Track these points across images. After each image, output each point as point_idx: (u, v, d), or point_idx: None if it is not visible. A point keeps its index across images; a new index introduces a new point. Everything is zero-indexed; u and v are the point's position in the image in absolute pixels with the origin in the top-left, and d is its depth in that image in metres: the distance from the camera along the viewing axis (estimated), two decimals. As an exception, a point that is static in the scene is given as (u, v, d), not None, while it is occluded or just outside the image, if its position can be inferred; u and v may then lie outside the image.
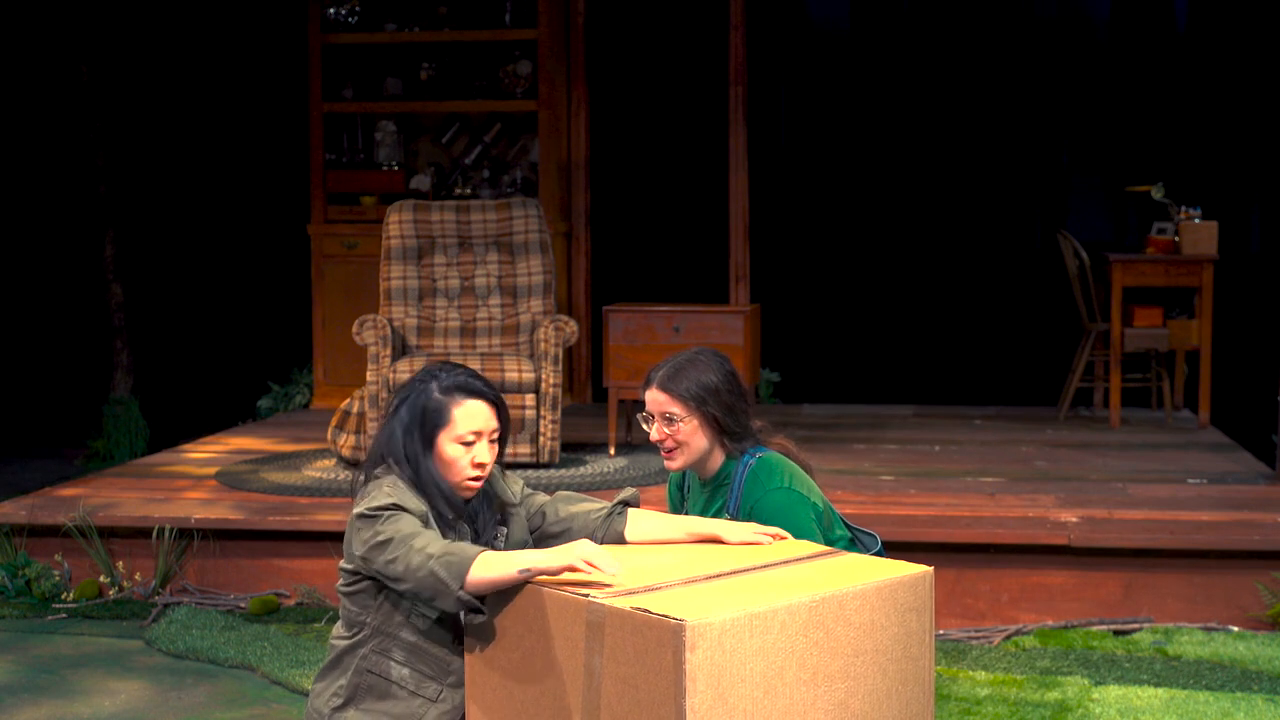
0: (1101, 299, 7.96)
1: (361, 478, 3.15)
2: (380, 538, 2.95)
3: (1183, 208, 7.75)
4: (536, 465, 6.63)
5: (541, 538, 3.22)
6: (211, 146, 9.81)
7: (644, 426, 3.49)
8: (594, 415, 8.29)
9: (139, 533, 5.82)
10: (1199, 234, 7.62)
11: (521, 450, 6.59)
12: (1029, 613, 5.37)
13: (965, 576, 5.40)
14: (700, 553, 3.07)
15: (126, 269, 9.52)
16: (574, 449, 7.19)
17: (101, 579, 5.79)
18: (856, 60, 9.33)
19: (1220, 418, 7.90)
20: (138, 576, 5.82)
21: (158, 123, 9.83)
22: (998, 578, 5.40)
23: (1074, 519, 5.57)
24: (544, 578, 2.82)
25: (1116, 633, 5.24)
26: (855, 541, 3.52)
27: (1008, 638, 5.23)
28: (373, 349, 6.69)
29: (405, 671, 3.05)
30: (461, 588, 2.84)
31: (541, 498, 3.28)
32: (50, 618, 5.60)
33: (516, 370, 6.58)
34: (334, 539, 5.59)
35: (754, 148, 8.97)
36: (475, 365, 6.55)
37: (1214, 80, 8.91)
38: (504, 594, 2.86)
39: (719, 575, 2.86)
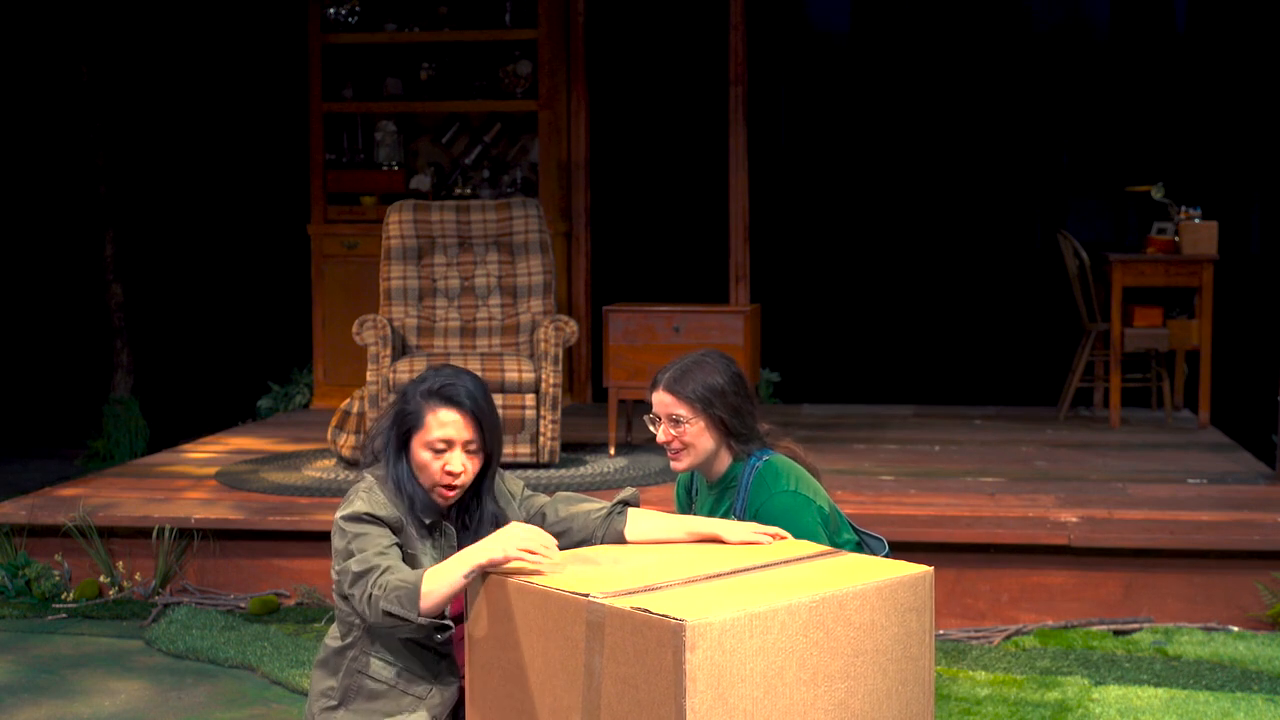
0: (1101, 299, 7.96)
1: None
2: (343, 567, 2.99)
3: (1183, 208, 7.74)
4: (536, 465, 6.63)
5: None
6: (211, 146, 9.82)
7: (650, 428, 3.50)
8: (594, 415, 8.29)
9: (139, 533, 5.82)
10: (1199, 234, 7.62)
11: (521, 450, 6.59)
12: (1029, 613, 5.37)
13: (965, 576, 5.40)
14: (700, 552, 3.07)
15: (126, 269, 9.52)
16: (574, 449, 7.19)
17: (101, 579, 5.79)
18: (856, 60, 9.33)
19: (1220, 418, 7.90)
20: (138, 576, 5.82)
21: (158, 123, 9.83)
22: (998, 578, 5.40)
23: (1074, 519, 5.57)
24: (502, 570, 2.86)
25: (1116, 633, 5.24)
26: (862, 545, 3.52)
27: (1008, 638, 5.23)
28: (373, 349, 6.69)
29: (394, 671, 3.06)
30: (419, 614, 2.87)
31: (541, 499, 3.28)
32: (50, 618, 5.59)
33: (516, 370, 6.58)
34: (334, 539, 5.59)
35: (754, 148, 8.96)
36: (475, 365, 6.55)
37: (1214, 81, 8.91)
38: (503, 596, 2.86)
39: (719, 575, 2.86)
